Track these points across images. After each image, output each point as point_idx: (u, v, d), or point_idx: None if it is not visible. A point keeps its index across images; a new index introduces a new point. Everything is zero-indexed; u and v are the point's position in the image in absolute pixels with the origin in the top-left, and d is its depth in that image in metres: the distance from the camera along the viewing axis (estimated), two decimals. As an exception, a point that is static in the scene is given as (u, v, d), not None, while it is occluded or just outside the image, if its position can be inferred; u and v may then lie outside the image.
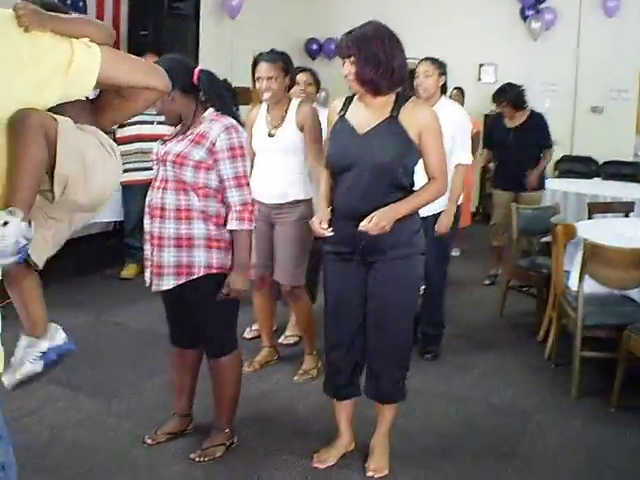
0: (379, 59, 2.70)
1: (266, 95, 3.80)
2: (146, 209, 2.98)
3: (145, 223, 2.99)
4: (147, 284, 3.02)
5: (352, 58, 2.72)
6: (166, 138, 3.03)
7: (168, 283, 2.93)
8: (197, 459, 3.10)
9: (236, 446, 3.22)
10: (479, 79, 9.17)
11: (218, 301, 2.94)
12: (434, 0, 9.12)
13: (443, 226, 4.15)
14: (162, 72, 1.90)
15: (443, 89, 4.32)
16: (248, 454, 3.21)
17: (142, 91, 1.85)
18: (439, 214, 4.15)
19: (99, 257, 5.99)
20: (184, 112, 2.96)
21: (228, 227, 2.91)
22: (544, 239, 5.21)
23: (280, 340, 4.51)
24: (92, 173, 1.83)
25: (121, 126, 5.31)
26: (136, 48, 6.37)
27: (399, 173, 2.79)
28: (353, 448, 3.20)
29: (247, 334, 4.57)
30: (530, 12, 8.78)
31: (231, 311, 3.09)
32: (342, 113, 2.92)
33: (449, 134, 3.94)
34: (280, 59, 3.82)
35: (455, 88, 7.36)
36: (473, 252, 7.13)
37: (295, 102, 3.88)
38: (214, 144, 2.87)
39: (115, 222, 6.03)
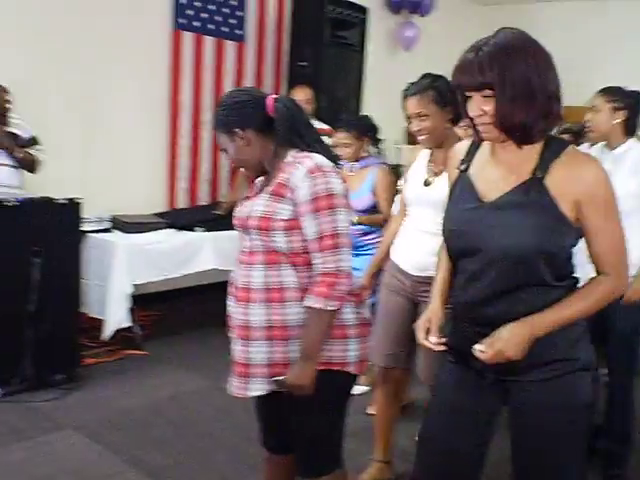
0: (532, 87, 1.72)
1: (420, 139, 2.90)
2: (229, 288, 2.25)
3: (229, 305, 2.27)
4: (229, 390, 2.30)
5: (486, 90, 1.74)
6: (245, 197, 2.29)
7: (259, 388, 2.20)
8: None
9: None
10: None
11: (320, 405, 2.17)
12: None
13: (636, 292, 3.02)
14: None
15: (627, 128, 3.19)
16: None
17: None
18: None
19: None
20: (263, 157, 2.19)
21: (305, 302, 2.09)
22: None
23: None
24: None
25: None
26: (295, 80, 5.88)
27: (539, 266, 1.79)
28: None
29: (370, 410, 3.70)
30: None
31: (336, 417, 2.28)
32: (464, 166, 1.97)
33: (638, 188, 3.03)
34: (430, 87, 2.83)
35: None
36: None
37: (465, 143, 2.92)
38: (294, 192, 2.07)
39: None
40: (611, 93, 3.19)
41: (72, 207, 4.07)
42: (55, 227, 4.00)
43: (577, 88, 7.80)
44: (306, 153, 2.11)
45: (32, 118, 4.36)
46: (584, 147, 4.98)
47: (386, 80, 6.43)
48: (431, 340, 1.94)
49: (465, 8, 8.42)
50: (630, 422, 3.36)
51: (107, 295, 4.49)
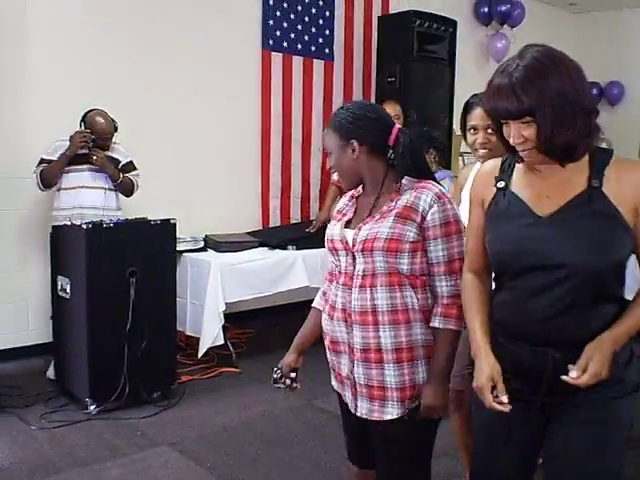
0: (571, 105, 1.64)
1: (481, 152, 2.81)
2: (336, 313, 2.22)
3: (335, 329, 2.25)
4: (352, 408, 2.26)
5: (526, 117, 1.66)
6: (339, 217, 2.28)
7: (392, 411, 2.15)
8: None
9: None
10: None
11: (422, 441, 2.19)
12: None
13: None
14: None
15: None
16: None
17: None
18: None
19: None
20: (368, 176, 2.20)
21: (431, 324, 2.10)
22: None
23: None
24: None
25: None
26: (384, 95, 5.85)
27: (611, 278, 1.72)
28: None
29: None
30: None
31: (423, 457, 2.24)
32: (502, 183, 1.86)
33: None
34: None
35: None
36: None
37: (493, 162, 2.76)
38: (425, 218, 2.07)
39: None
40: None
41: (167, 227, 4.16)
42: (151, 247, 4.10)
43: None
44: (424, 181, 2.12)
45: (129, 143, 4.50)
46: None
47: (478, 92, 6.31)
48: (503, 400, 1.79)
49: (556, 17, 8.21)
50: None
51: (202, 313, 4.57)
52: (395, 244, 2.07)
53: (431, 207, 2.06)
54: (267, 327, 5.50)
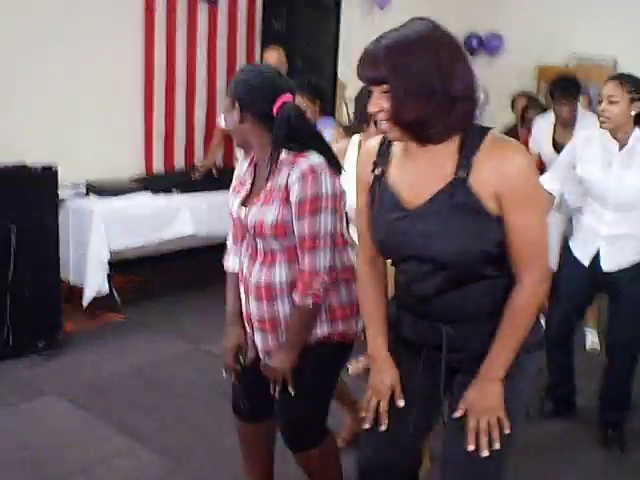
0: (430, 84, 1.62)
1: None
2: (244, 286, 2.29)
3: (245, 304, 2.32)
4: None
5: (384, 85, 1.66)
6: (238, 189, 2.32)
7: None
8: None
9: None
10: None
11: (326, 374, 2.33)
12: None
13: None
14: None
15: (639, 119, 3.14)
16: None
17: None
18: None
19: (206, 273, 5.43)
20: (254, 143, 2.24)
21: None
22: None
23: None
24: None
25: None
26: (268, 40, 5.82)
27: (478, 265, 1.75)
28: None
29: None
30: None
31: (333, 385, 2.42)
32: (379, 170, 1.85)
33: None
34: None
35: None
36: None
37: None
38: (289, 194, 2.12)
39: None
40: (630, 83, 3.09)
41: (48, 174, 4.05)
42: (31, 195, 3.98)
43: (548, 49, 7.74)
44: (299, 155, 2.12)
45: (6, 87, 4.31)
46: (540, 118, 4.99)
47: (362, 41, 6.39)
48: (399, 404, 1.93)
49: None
50: (630, 389, 3.44)
51: (85, 262, 4.50)
52: (282, 229, 2.13)
53: (294, 185, 2.09)
54: (153, 275, 5.48)
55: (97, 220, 4.50)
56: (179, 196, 5.07)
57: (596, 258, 3.27)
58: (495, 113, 6.93)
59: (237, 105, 2.17)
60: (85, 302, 4.51)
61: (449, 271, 1.76)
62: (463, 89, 1.66)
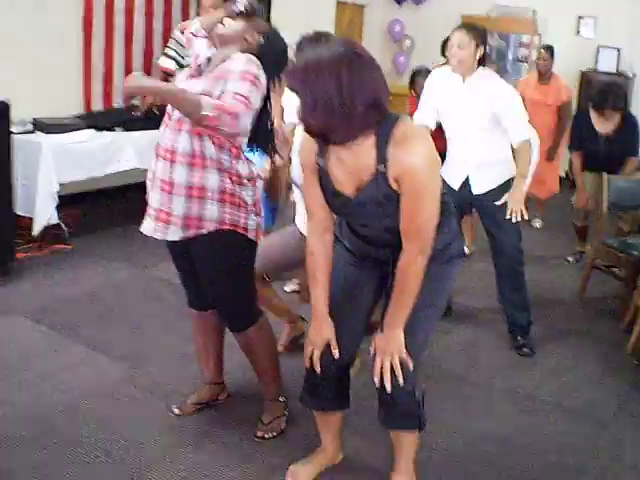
0: (331, 102, 1.91)
1: None
2: (155, 148, 2.64)
3: (152, 164, 2.66)
4: (146, 231, 2.67)
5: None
6: (187, 73, 2.72)
7: (175, 234, 2.60)
8: (265, 436, 2.91)
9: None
10: (577, 32, 8.31)
11: (228, 262, 2.66)
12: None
13: (517, 202, 3.56)
14: None
15: (481, 61, 3.64)
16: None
17: None
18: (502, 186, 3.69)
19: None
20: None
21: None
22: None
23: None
24: None
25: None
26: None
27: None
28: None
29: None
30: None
31: (245, 275, 2.76)
32: (321, 161, 2.19)
33: (488, 111, 3.59)
34: None
35: (544, 47, 6.34)
36: (558, 224, 6.36)
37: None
38: (230, 71, 2.52)
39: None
40: (474, 31, 3.59)
41: (1, 107, 4.23)
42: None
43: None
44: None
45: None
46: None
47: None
48: (335, 354, 2.37)
49: None
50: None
51: (35, 194, 4.71)
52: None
53: (237, 65, 2.51)
54: (98, 208, 5.73)
55: (46, 153, 4.71)
56: (123, 133, 5.30)
57: (466, 182, 3.78)
58: (422, 56, 7.46)
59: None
60: (36, 231, 4.74)
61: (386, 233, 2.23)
62: (365, 101, 1.93)
